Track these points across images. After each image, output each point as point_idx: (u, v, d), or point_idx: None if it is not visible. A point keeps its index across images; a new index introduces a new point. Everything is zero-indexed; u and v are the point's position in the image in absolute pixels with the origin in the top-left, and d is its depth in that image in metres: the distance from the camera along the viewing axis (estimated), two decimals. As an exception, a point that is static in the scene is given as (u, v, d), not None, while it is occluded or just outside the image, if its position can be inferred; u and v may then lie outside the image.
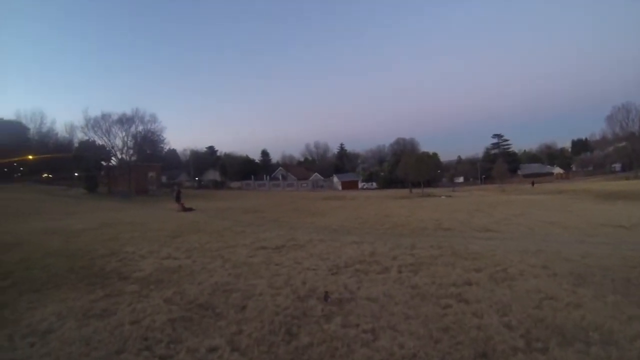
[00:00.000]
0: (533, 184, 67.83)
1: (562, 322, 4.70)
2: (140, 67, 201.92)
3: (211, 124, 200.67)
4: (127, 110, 57.84)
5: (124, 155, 56.94)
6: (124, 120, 56.27)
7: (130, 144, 57.30)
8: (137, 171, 57.02)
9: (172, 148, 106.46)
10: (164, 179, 76.69)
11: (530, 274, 7.07)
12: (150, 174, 61.69)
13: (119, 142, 56.62)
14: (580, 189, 41.81)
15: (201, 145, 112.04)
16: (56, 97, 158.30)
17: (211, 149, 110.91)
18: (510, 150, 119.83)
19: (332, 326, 4.76)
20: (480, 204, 26.72)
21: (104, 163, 59.14)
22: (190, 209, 26.68)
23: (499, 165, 71.01)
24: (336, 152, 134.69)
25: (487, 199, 36.43)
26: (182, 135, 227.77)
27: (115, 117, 55.99)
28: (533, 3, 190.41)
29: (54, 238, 12.94)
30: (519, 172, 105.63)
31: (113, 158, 58.30)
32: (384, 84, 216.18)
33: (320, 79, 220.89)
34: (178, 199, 29.55)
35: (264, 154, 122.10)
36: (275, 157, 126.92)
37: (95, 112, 60.38)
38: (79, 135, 59.95)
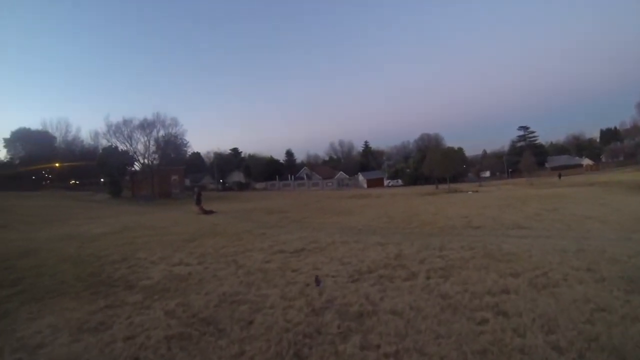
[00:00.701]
0: (560, 176, 65.52)
1: (620, 342, 3.80)
2: (163, 71, 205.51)
3: (235, 127, 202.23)
4: (149, 115, 58.23)
5: (146, 160, 56.98)
6: (145, 125, 56.32)
7: (152, 148, 57.34)
8: (160, 175, 56.55)
9: (196, 151, 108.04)
10: (187, 182, 76.62)
11: (575, 278, 6.14)
12: (174, 177, 61.29)
13: (141, 147, 56.77)
14: (611, 181, 39.65)
15: (226, 147, 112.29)
16: (80, 105, 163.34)
17: (235, 151, 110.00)
18: (537, 142, 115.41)
19: (349, 347, 4.01)
20: (509, 198, 25.34)
21: (127, 168, 59.55)
22: (210, 212, 26.13)
23: (526, 158, 68.30)
24: (361, 150, 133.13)
25: (516, 193, 34.78)
26: (206, 139, 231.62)
27: (136, 123, 56.34)
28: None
29: (71, 244, 12.75)
30: (547, 165, 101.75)
31: (136, 163, 58.76)
32: (407, 79, 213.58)
33: (344, 76, 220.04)
34: (198, 201, 29.27)
35: (289, 154, 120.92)
36: (300, 157, 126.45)
37: (117, 118, 61.21)
38: (102, 142, 60.89)
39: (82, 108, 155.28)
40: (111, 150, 57.14)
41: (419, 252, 8.58)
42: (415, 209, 20.93)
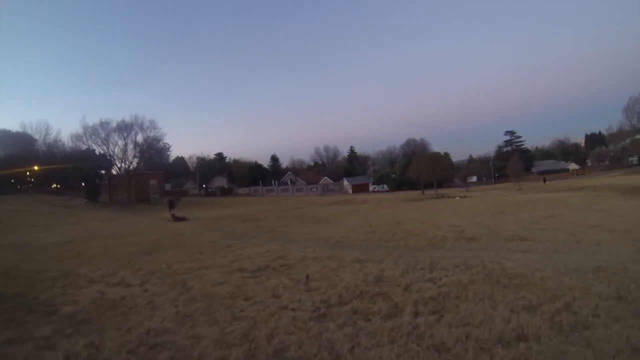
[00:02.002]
0: (545, 180, 65.68)
1: None
2: (147, 76, 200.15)
3: (221, 132, 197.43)
4: (127, 118, 55.99)
5: (124, 164, 54.80)
6: (123, 128, 54.12)
7: (130, 151, 55.21)
8: (138, 179, 54.66)
9: (180, 156, 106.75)
10: (168, 187, 74.85)
11: (607, 312, 4.69)
12: (152, 182, 59.15)
13: (118, 150, 54.56)
14: (600, 185, 38.90)
15: (211, 152, 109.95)
16: (60, 108, 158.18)
17: (220, 156, 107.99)
18: (523, 147, 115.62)
19: None
20: (500, 204, 24.12)
21: (103, 172, 57.31)
22: (182, 219, 25.32)
23: (514, 162, 67.35)
24: (346, 155, 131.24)
25: (506, 198, 33.71)
26: (192, 144, 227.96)
27: (114, 125, 54.12)
28: None
29: (14, 255, 12.08)
30: (533, 170, 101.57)
31: (114, 166, 56.35)
32: (392, 84, 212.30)
33: (329, 81, 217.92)
34: (170, 208, 27.93)
35: (274, 159, 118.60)
36: (284, 162, 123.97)
37: (96, 120, 58.47)
38: (78, 145, 58.06)
39: (62, 110, 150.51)
40: (88, 154, 54.88)
41: (404, 274, 7.03)
42: (401, 217, 19.46)
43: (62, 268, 9.72)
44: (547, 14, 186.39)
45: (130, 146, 55.17)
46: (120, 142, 54.34)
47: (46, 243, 14.72)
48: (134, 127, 55.16)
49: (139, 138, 55.93)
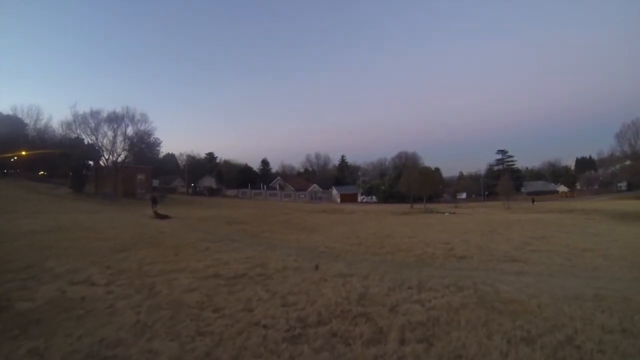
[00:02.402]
0: (533, 201, 66.05)
1: None
2: (143, 69, 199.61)
3: (214, 132, 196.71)
4: (118, 109, 54.81)
5: (112, 156, 53.53)
6: (113, 118, 52.85)
7: (119, 143, 54.02)
8: (126, 173, 53.52)
9: (170, 153, 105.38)
10: (156, 182, 73.12)
11: (614, 348, 4.26)
12: (140, 176, 58.26)
13: (107, 142, 53.29)
14: (590, 209, 39.10)
15: (203, 151, 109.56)
16: (53, 94, 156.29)
17: (211, 156, 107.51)
18: (514, 166, 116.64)
19: None
20: (490, 223, 23.84)
21: (91, 163, 55.88)
22: (165, 217, 24.63)
23: (505, 181, 67.46)
24: (337, 164, 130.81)
25: (495, 217, 33.56)
26: (184, 141, 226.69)
27: (104, 115, 52.90)
28: (534, 19, 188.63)
29: None
30: (523, 190, 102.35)
31: (102, 158, 54.94)
32: (387, 97, 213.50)
33: (325, 89, 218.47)
34: (153, 205, 27.52)
35: (264, 163, 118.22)
36: (275, 166, 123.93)
37: (86, 109, 57.08)
38: (68, 133, 56.65)
39: (54, 96, 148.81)
40: (77, 143, 53.72)
41: (390, 292, 6.51)
42: (389, 230, 19.02)
43: (29, 259, 9.20)
44: (541, 36, 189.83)
45: (120, 138, 53.99)
46: (110, 133, 53.15)
47: (23, 231, 14.14)
48: (125, 119, 54.02)
49: (129, 130, 54.85)
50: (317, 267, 5.25)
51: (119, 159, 53.79)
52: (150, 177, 62.88)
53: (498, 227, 19.91)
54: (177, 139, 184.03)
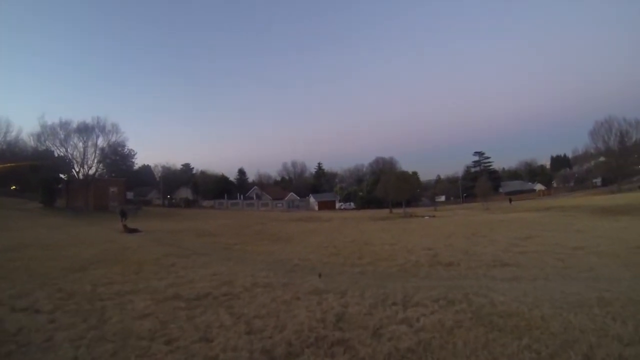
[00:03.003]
0: (510, 201, 67.04)
1: None
2: (116, 81, 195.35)
3: (191, 143, 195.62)
4: (88, 119, 53.67)
5: (82, 168, 52.26)
6: (83, 129, 51.64)
7: (91, 155, 52.87)
8: (97, 186, 52.64)
9: (146, 164, 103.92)
10: (130, 195, 71.71)
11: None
12: (112, 189, 56.82)
13: (77, 153, 52.10)
14: (567, 205, 39.50)
15: (179, 162, 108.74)
16: (22, 106, 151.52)
17: (187, 167, 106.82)
18: (491, 168, 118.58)
19: None
20: (472, 225, 23.46)
21: (62, 176, 54.40)
22: (135, 231, 23.65)
23: (483, 182, 68.35)
24: (314, 172, 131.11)
25: (476, 218, 33.37)
26: (160, 153, 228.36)
27: (74, 126, 51.66)
28: (506, 21, 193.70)
29: None
30: (501, 190, 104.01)
31: (73, 170, 53.52)
32: (362, 103, 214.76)
33: (299, 97, 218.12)
34: (122, 219, 26.34)
35: (241, 172, 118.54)
36: (252, 176, 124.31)
37: (55, 119, 55.04)
38: (38, 145, 55.18)
39: (24, 109, 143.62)
40: (47, 155, 52.10)
41: (372, 310, 5.70)
42: (368, 237, 18.31)
43: (-30, 284, 8.18)
44: (516, 38, 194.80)
45: (91, 150, 52.76)
46: (80, 145, 51.85)
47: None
48: (95, 129, 52.90)
49: (100, 142, 53.76)
50: (320, 275, 4.42)
51: (91, 172, 52.62)
52: (123, 190, 61.27)
53: (481, 229, 19.47)
54: (154, 150, 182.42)
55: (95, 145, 53.20)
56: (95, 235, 20.85)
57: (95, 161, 54.04)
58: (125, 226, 24.53)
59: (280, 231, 24.58)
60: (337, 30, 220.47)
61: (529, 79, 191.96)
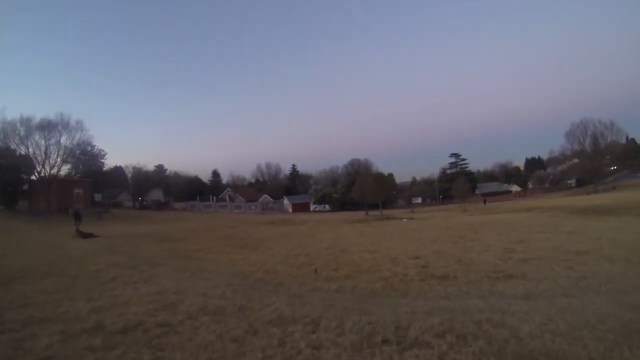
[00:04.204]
0: (485, 202, 67.19)
1: None
2: (88, 77, 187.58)
3: (165, 143, 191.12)
4: (51, 115, 50.55)
5: (44, 167, 49.27)
6: (46, 126, 48.57)
7: (54, 153, 49.91)
8: (60, 187, 49.32)
9: (118, 165, 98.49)
10: (98, 197, 68.86)
11: None
12: (77, 190, 53.17)
13: (39, 152, 48.99)
14: (547, 206, 39.13)
15: (152, 164, 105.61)
16: None
17: (160, 168, 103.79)
18: (467, 169, 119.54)
19: None
20: (455, 228, 22.27)
21: (25, 176, 50.72)
22: (89, 235, 21.54)
23: (461, 183, 68.17)
24: (288, 173, 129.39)
25: (455, 220, 32.37)
26: (134, 155, 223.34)
27: (36, 122, 48.60)
28: (482, 25, 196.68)
29: None
30: (477, 191, 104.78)
31: (36, 170, 50.24)
32: (337, 104, 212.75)
33: (273, 98, 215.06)
34: (77, 223, 23.99)
35: (215, 174, 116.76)
36: (226, 177, 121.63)
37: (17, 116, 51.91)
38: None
39: None
40: (7, 154, 48.30)
41: (355, 355, 4.14)
42: (345, 243, 16.76)
43: None
44: (491, 41, 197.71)
45: (54, 148, 49.74)
46: (42, 142, 48.82)
47: None
48: (58, 126, 49.80)
49: (64, 140, 50.68)
50: (316, 270, 3.02)
51: (54, 171, 49.72)
52: (90, 191, 57.91)
53: (466, 232, 18.21)
54: (128, 152, 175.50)
55: (59, 143, 50.31)
56: (43, 241, 19.02)
57: (59, 160, 51.01)
58: (78, 230, 22.32)
59: (250, 235, 22.89)
60: (311, 32, 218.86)
61: (504, 82, 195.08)
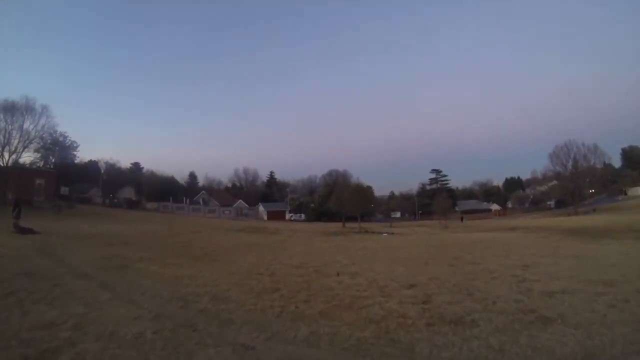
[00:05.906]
0: (462, 219, 68.74)
1: None
2: (65, 73, 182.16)
3: (143, 141, 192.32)
4: (16, 97, 48.00)
5: (3, 154, 46.85)
6: (9, 108, 45.91)
7: (15, 139, 47.54)
8: (20, 176, 45.93)
9: (93, 160, 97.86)
10: (65, 190, 65.39)
11: None
12: (38, 181, 50.11)
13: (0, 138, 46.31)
14: (532, 226, 38.20)
15: (129, 161, 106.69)
16: None
17: (136, 166, 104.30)
18: (448, 186, 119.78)
19: None
20: (444, 247, 20.36)
21: None
22: (29, 231, 19.56)
23: (442, 199, 67.60)
24: (265, 180, 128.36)
25: (439, 237, 30.68)
26: (112, 150, 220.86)
27: None
28: (464, 40, 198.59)
29: None
30: (457, 208, 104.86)
31: None
32: (317, 114, 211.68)
33: (254, 103, 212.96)
34: (17, 215, 21.21)
35: (192, 176, 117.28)
36: (203, 180, 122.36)
37: None
38: None
39: None
40: None
41: None
42: (320, 260, 14.47)
43: None
44: (473, 60, 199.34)
45: (16, 133, 47.20)
46: (2, 126, 46.35)
47: None
48: (21, 109, 47.15)
49: (27, 124, 48.29)
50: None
51: (14, 157, 47.48)
52: (53, 183, 55.00)
53: (459, 253, 16.20)
54: (107, 147, 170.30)
55: (21, 128, 47.71)
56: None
57: (20, 146, 48.48)
58: (16, 225, 19.89)
59: (213, 244, 20.58)
60: (295, 36, 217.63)
61: (485, 100, 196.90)
